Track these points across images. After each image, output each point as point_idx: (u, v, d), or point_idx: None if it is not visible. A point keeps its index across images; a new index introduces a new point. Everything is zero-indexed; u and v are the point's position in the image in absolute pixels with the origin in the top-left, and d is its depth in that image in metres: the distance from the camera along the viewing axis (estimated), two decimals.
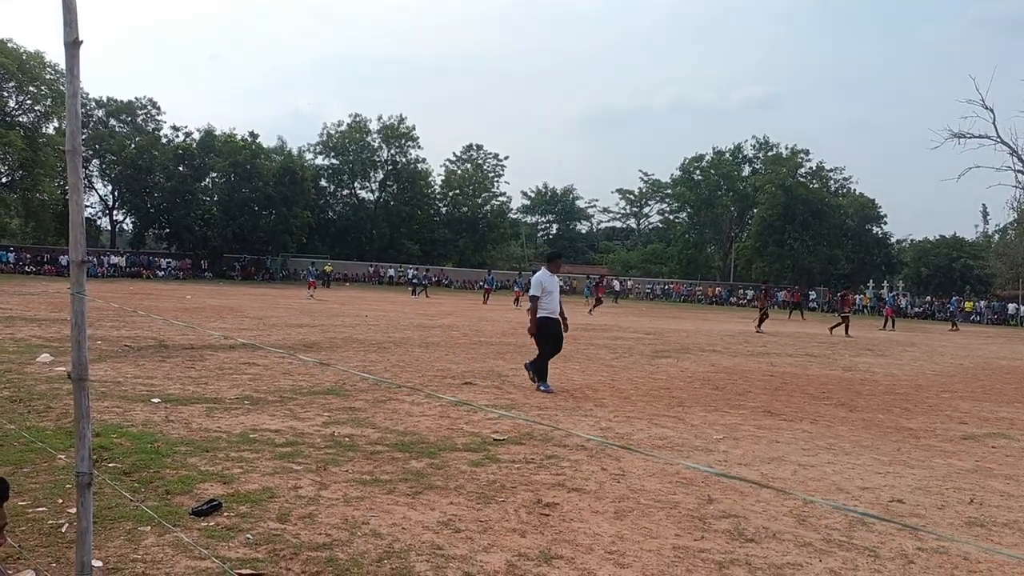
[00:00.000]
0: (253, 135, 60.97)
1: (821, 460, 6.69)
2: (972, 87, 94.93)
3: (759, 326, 26.34)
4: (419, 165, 76.10)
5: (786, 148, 75.83)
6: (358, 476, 5.33)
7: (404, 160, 74.81)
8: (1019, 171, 57.21)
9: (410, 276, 56.75)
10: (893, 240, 76.78)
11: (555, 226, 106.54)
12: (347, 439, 6.44)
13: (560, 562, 3.95)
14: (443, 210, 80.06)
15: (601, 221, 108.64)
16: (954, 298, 45.81)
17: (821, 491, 5.64)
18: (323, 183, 72.73)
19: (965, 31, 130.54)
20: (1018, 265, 63.89)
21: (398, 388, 9.22)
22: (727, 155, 79.12)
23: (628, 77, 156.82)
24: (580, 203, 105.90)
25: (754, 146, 79.50)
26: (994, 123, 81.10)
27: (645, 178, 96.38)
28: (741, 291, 67.30)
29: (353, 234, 72.94)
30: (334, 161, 73.43)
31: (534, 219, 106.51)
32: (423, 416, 7.65)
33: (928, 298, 62.48)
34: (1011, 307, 55.31)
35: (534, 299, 10.01)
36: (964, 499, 5.64)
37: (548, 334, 9.96)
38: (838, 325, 26.75)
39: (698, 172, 79.03)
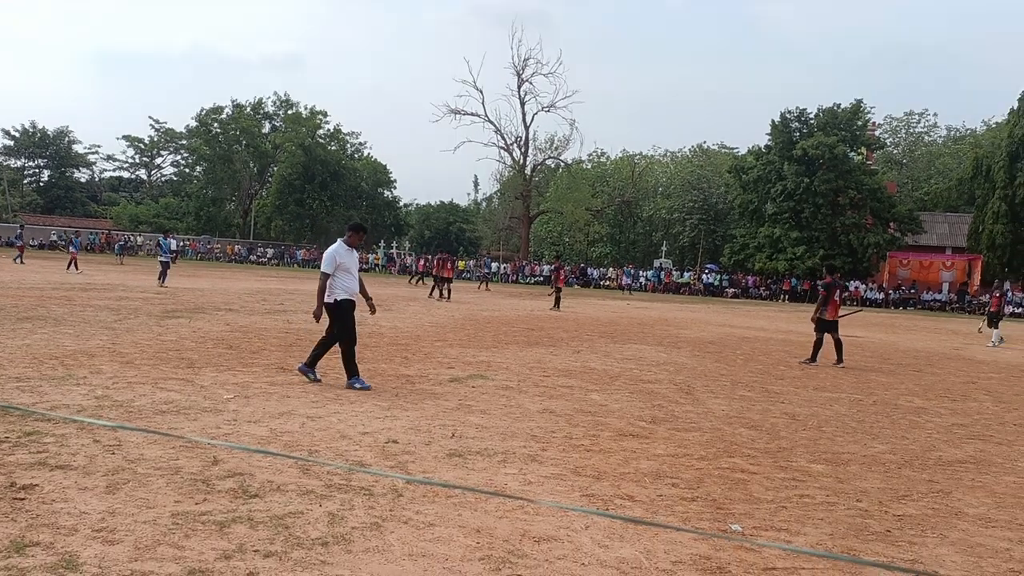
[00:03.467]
0: None
1: (328, 411, 7.03)
2: (467, 69, 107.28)
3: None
4: None
5: (306, 108, 76.94)
6: None
7: None
8: (501, 147, 66.81)
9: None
10: (401, 204, 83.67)
11: (46, 172, 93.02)
12: None
13: (36, 549, 3.52)
14: None
15: (105, 170, 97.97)
16: (487, 259, 49.95)
17: (326, 440, 5.94)
18: None
19: (464, 18, 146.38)
20: (500, 229, 74.71)
21: None
22: (248, 109, 77.34)
23: (143, 13, 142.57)
24: (78, 148, 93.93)
25: (275, 103, 79.07)
26: (483, 103, 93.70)
27: (157, 126, 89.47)
28: (261, 249, 66.82)
29: None
30: None
31: (20, 163, 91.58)
32: None
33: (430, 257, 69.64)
34: (494, 265, 64.17)
35: (325, 277, 8.26)
36: (447, 434, 6.44)
37: (349, 319, 8.34)
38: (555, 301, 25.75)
39: (216, 125, 75.89)
